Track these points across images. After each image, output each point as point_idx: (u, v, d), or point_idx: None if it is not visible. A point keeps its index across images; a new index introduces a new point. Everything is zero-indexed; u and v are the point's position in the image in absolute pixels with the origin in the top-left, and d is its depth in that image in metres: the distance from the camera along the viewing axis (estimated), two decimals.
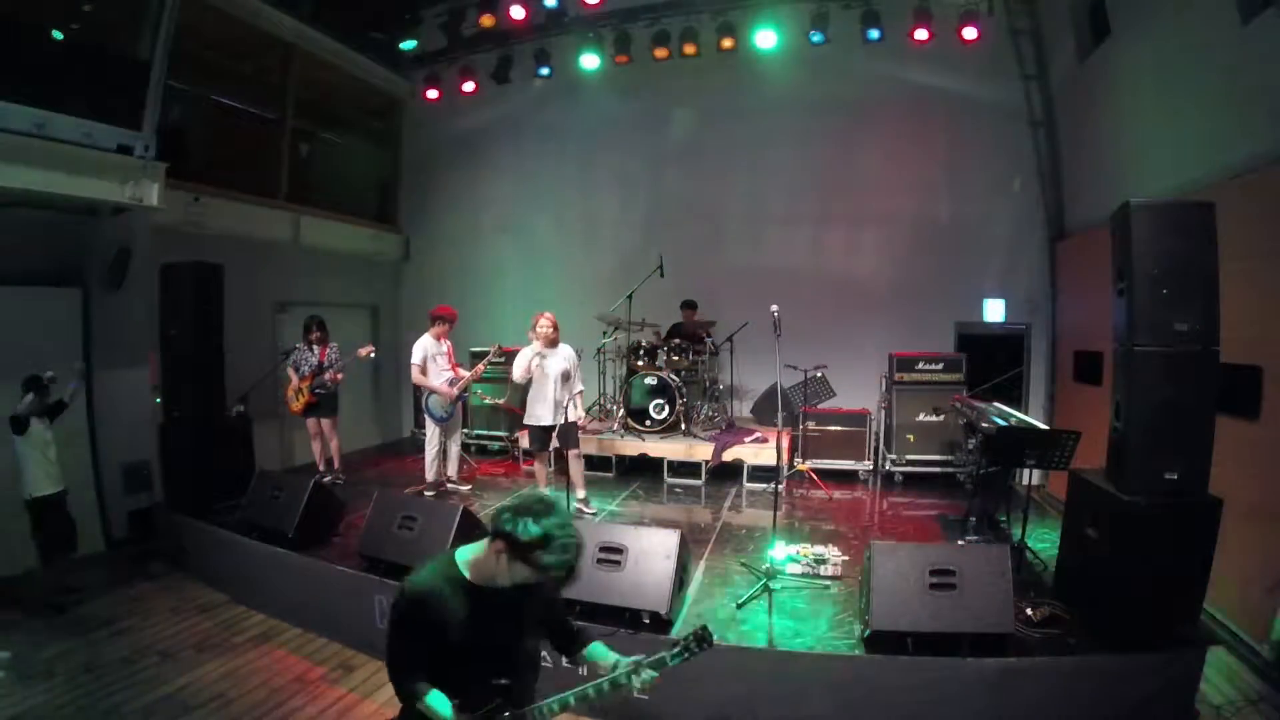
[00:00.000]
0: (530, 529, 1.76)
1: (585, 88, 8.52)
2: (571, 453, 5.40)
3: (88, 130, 5.27)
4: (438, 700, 1.84)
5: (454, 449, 6.26)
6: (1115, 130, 5.90)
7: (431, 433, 6.07)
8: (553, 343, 5.38)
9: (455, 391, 5.94)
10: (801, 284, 7.70)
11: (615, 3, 7.81)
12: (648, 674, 1.91)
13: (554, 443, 5.47)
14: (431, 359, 5.95)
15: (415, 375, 5.94)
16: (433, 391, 5.93)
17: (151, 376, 6.29)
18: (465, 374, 6.03)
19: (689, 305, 7.73)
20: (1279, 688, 3.54)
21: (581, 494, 5.52)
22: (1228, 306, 3.31)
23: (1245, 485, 3.88)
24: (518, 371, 5.34)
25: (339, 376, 6.36)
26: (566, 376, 5.36)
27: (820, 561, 4.37)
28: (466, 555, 1.92)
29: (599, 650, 2.08)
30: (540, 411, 5.36)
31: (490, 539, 1.85)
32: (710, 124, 8.34)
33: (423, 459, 6.18)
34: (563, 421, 5.27)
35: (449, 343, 6.15)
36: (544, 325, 5.34)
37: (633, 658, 1.96)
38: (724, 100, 8.17)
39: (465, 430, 7.41)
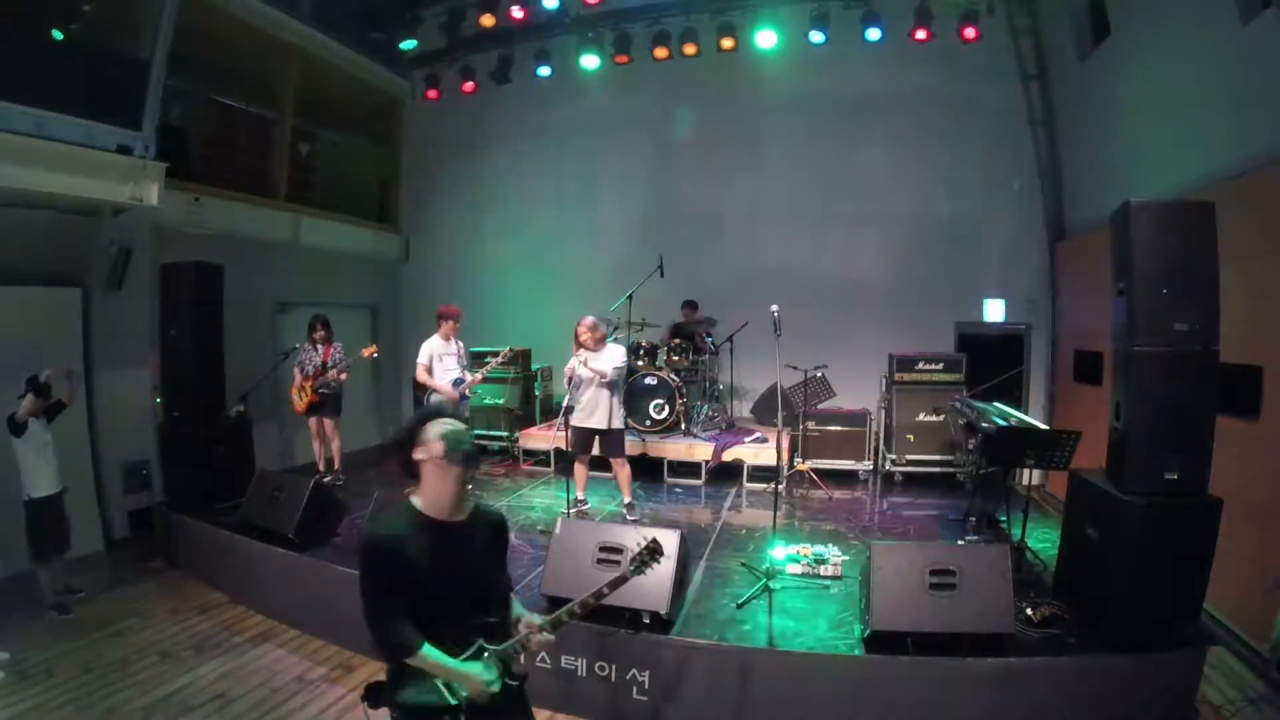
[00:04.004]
0: (406, 427, 2.03)
1: (585, 88, 8.51)
2: (614, 460, 5.39)
3: (87, 130, 5.27)
4: (431, 649, 1.85)
5: None
6: (1115, 130, 5.90)
7: None
8: (593, 344, 5.27)
9: (459, 392, 5.92)
10: (801, 284, 7.69)
11: (615, 3, 7.81)
12: (605, 588, 2.13)
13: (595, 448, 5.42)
14: (438, 359, 5.90)
15: (419, 374, 5.90)
16: (435, 391, 5.91)
17: (152, 376, 6.30)
18: (470, 376, 5.99)
19: (689, 305, 7.74)
20: (1279, 688, 3.54)
21: (627, 499, 5.48)
22: (1228, 306, 3.30)
23: (1245, 485, 3.87)
24: (566, 375, 5.30)
25: (342, 376, 6.37)
26: (602, 380, 5.20)
27: (820, 561, 4.37)
28: (419, 498, 2.01)
29: (516, 606, 2.16)
30: (576, 414, 5.34)
31: (412, 478, 2.01)
32: (710, 124, 8.34)
33: None
34: (603, 427, 5.23)
35: (460, 343, 6.08)
36: (580, 330, 5.28)
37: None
38: (724, 100, 8.17)
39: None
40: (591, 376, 5.20)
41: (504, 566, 2.15)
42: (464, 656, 1.91)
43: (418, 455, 1.96)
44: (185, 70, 6.59)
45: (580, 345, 5.25)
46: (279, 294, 7.99)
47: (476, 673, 1.90)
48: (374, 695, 2.02)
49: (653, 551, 2.14)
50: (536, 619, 2.06)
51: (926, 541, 4.94)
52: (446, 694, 1.89)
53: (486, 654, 1.94)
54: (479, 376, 5.98)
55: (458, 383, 5.91)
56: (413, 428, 2.01)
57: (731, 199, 8.39)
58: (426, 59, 9.02)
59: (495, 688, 1.92)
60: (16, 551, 4.86)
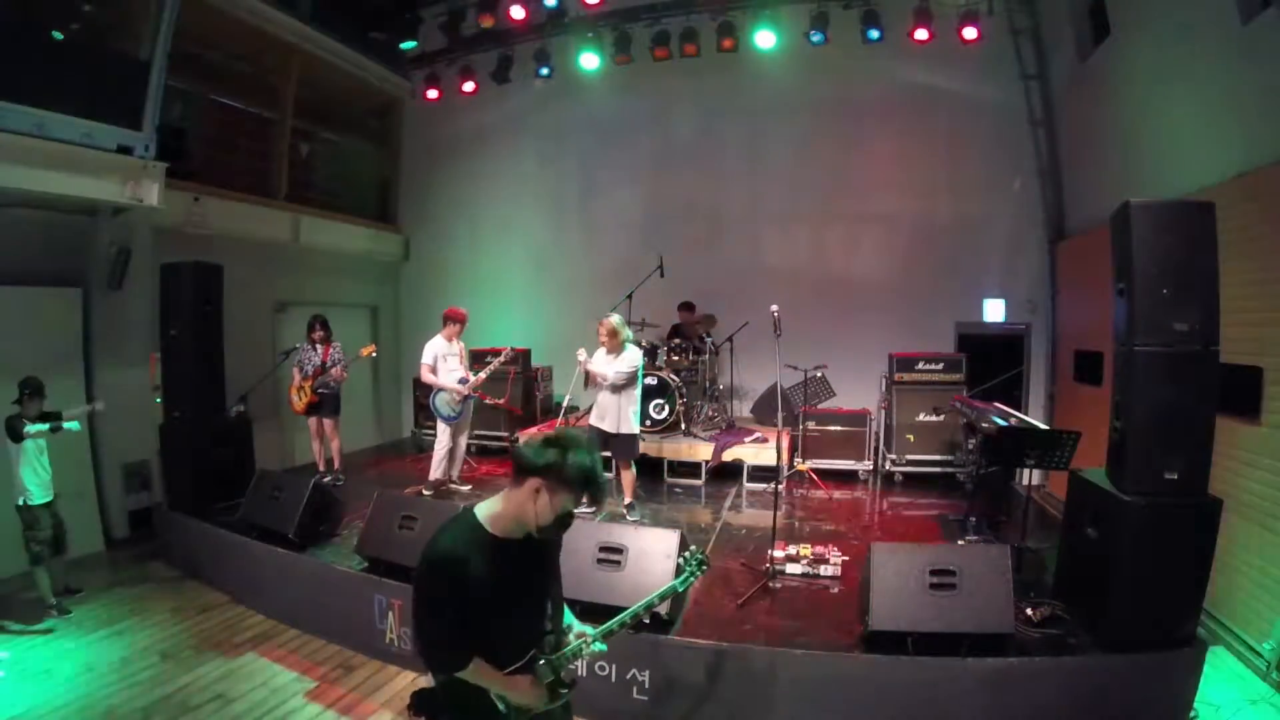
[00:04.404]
0: (578, 458, 1.80)
1: (585, 88, 8.51)
2: (619, 463, 5.39)
3: (88, 130, 5.26)
4: (481, 663, 1.82)
5: (460, 449, 6.26)
6: (1115, 130, 5.89)
7: (441, 432, 6.08)
8: (611, 348, 5.26)
9: (464, 392, 5.94)
10: (801, 284, 7.70)
11: (615, 3, 7.81)
12: (655, 599, 2.19)
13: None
14: (442, 359, 5.95)
15: (424, 374, 5.96)
16: (441, 390, 5.93)
17: (151, 376, 6.29)
18: (474, 377, 6.01)
19: (686, 307, 7.73)
20: (1279, 688, 3.54)
21: (628, 499, 5.48)
22: (1228, 306, 3.30)
23: (1245, 485, 3.88)
24: (579, 372, 5.33)
25: (343, 375, 6.37)
26: (614, 384, 5.19)
27: (820, 561, 4.38)
28: (485, 511, 1.88)
29: (567, 615, 2.12)
30: (593, 413, 5.37)
31: (522, 480, 1.82)
32: (710, 124, 8.35)
33: (424, 458, 6.18)
34: (611, 430, 5.22)
35: (461, 344, 6.13)
36: (599, 329, 5.28)
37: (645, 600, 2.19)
38: (724, 100, 8.17)
39: None
40: (599, 379, 5.21)
41: (559, 575, 2.10)
42: (519, 666, 1.88)
43: (538, 484, 1.79)
44: (185, 70, 6.59)
45: (602, 344, 5.29)
46: (279, 294, 7.99)
47: (530, 683, 1.89)
48: (422, 704, 1.97)
49: (701, 564, 2.23)
50: (589, 630, 2.05)
51: (926, 542, 4.94)
52: (498, 704, 1.87)
53: (542, 663, 1.92)
54: (483, 376, 6.00)
55: (461, 383, 5.94)
56: (566, 458, 1.79)
57: (731, 199, 8.39)
58: (426, 59, 9.02)
59: (549, 695, 1.91)
60: (16, 553, 4.86)
